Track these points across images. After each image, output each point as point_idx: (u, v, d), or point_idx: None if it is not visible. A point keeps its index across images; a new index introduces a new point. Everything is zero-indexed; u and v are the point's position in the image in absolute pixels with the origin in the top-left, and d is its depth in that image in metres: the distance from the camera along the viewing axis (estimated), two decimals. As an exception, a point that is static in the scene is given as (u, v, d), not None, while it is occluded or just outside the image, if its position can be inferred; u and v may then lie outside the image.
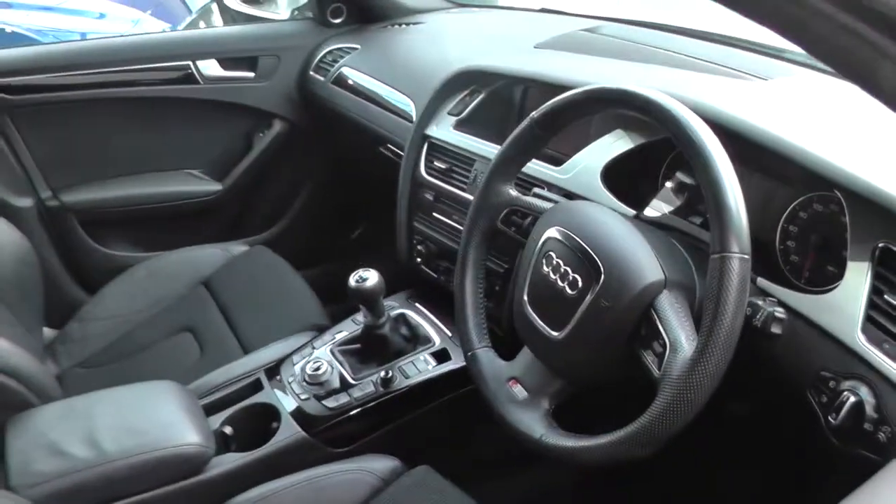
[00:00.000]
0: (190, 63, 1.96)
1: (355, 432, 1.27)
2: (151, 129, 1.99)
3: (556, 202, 1.09)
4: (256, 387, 1.33)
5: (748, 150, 0.97)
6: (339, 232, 2.30)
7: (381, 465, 1.14)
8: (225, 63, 2.01)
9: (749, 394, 1.01)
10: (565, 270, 0.94)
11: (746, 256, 0.79)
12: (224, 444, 1.22)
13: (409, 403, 1.30)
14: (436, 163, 1.48)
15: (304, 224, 2.20)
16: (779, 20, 0.45)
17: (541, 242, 0.99)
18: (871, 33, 0.44)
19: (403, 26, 2.00)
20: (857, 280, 0.86)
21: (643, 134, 1.16)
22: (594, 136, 1.23)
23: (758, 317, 0.86)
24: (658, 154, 1.17)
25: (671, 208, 1.10)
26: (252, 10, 2.46)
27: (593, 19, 1.77)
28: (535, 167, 1.24)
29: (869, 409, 0.80)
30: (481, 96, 1.48)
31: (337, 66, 1.95)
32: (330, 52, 2.01)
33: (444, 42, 1.85)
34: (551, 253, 0.97)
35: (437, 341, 1.38)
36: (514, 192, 1.10)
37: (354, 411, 1.26)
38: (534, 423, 0.96)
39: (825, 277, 0.96)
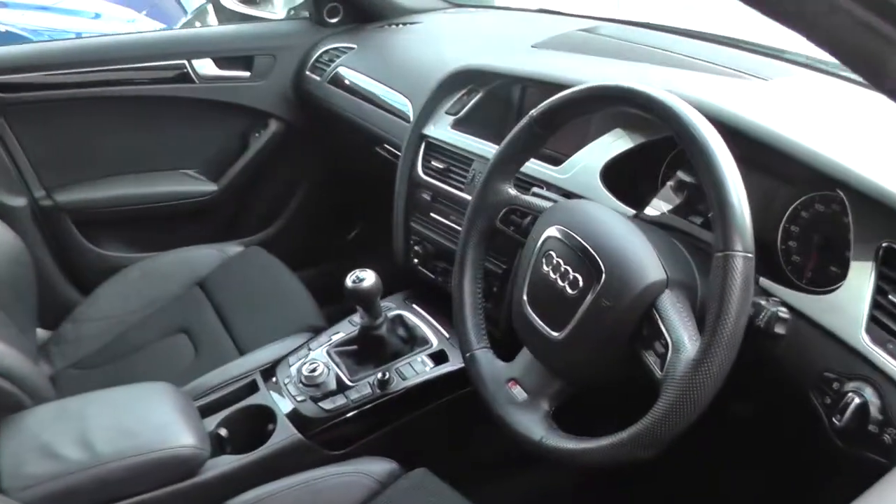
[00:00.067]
0: (185, 62, 1.95)
1: (352, 434, 1.26)
2: (146, 129, 1.98)
3: (555, 201, 1.08)
4: (252, 388, 1.32)
5: (749, 148, 0.96)
6: (335, 232, 2.29)
7: (378, 467, 1.13)
8: (220, 62, 1.99)
9: (752, 395, 1.01)
10: (566, 270, 0.93)
11: (750, 255, 0.78)
12: (219, 446, 1.21)
13: (406, 405, 1.29)
14: (433, 162, 1.47)
15: (301, 224, 2.19)
16: (788, 13, 0.44)
17: (541, 242, 0.98)
18: (883, 25, 0.43)
19: (400, 26, 2.00)
20: (861, 280, 0.85)
21: (643, 133, 1.15)
22: (593, 136, 1.22)
23: (761, 317, 0.85)
24: (658, 153, 1.16)
25: (671, 208, 1.10)
26: (248, 10, 2.44)
27: (591, 20, 1.77)
28: (533, 167, 1.23)
29: (874, 411, 0.79)
30: (479, 96, 1.47)
31: (333, 65, 1.94)
32: (326, 51, 2.00)
33: (441, 42, 1.84)
34: (551, 252, 0.96)
35: (435, 343, 1.37)
36: (513, 191, 1.10)
37: (351, 413, 1.25)
38: (534, 425, 0.95)
39: (827, 278, 0.95)
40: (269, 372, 1.35)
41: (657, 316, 0.85)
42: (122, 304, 1.64)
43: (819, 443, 0.85)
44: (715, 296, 0.78)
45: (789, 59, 1.33)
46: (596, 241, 0.92)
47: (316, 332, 1.45)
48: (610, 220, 0.95)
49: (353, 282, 1.26)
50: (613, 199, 1.12)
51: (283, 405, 1.26)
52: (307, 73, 2.02)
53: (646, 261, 0.88)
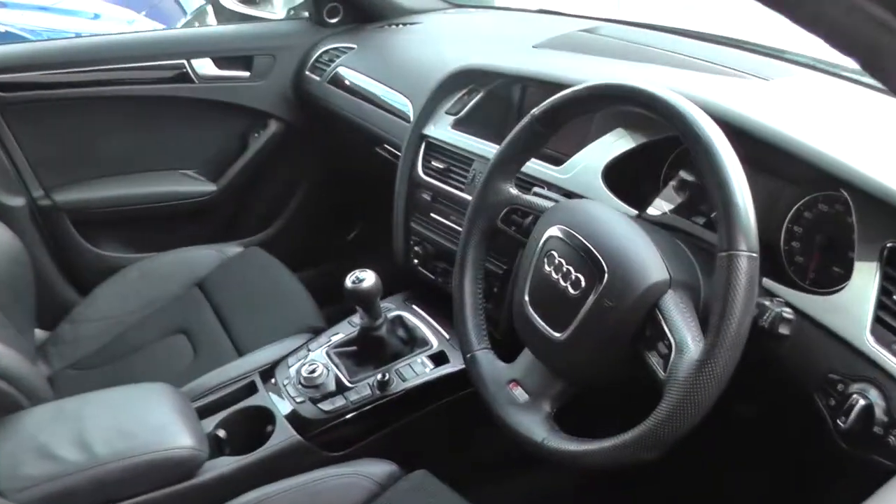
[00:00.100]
0: (184, 62, 1.94)
1: (351, 436, 1.25)
2: (145, 129, 1.98)
3: (557, 201, 1.07)
4: (251, 389, 1.31)
5: (752, 148, 0.95)
6: (335, 233, 2.29)
7: (377, 469, 1.12)
8: (220, 62, 1.99)
9: (755, 396, 1.00)
10: (568, 270, 0.92)
11: (755, 255, 0.77)
12: (217, 447, 1.21)
13: (406, 407, 1.28)
14: (433, 162, 1.47)
15: (300, 225, 2.18)
16: (807, 15, 0.43)
17: (542, 241, 0.98)
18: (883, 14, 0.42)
19: (400, 26, 1.99)
20: (865, 280, 0.85)
21: (645, 133, 1.14)
22: (594, 136, 1.21)
23: (765, 317, 0.85)
24: (660, 153, 1.15)
25: (673, 208, 1.09)
26: (248, 10, 2.44)
27: (592, 20, 1.76)
28: (534, 167, 1.22)
29: (879, 413, 0.79)
30: (480, 95, 1.47)
31: (333, 65, 1.94)
32: (326, 51, 2.00)
33: (442, 42, 1.84)
34: (553, 252, 0.95)
35: (435, 344, 1.36)
36: (514, 191, 1.09)
37: (350, 415, 1.25)
38: (535, 427, 0.94)
39: (830, 278, 0.95)
40: (268, 373, 1.34)
41: (660, 316, 0.84)
42: (120, 304, 1.63)
43: (823, 445, 0.85)
44: (719, 296, 0.77)
45: (790, 59, 1.33)
46: (598, 240, 0.91)
47: (315, 332, 1.44)
48: (612, 219, 0.95)
49: (353, 282, 1.25)
50: (615, 199, 1.11)
51: (282, 406, 1.26)
52: (307, 73, 2.01)
53: (649, 261, 0.88)
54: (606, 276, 0.88)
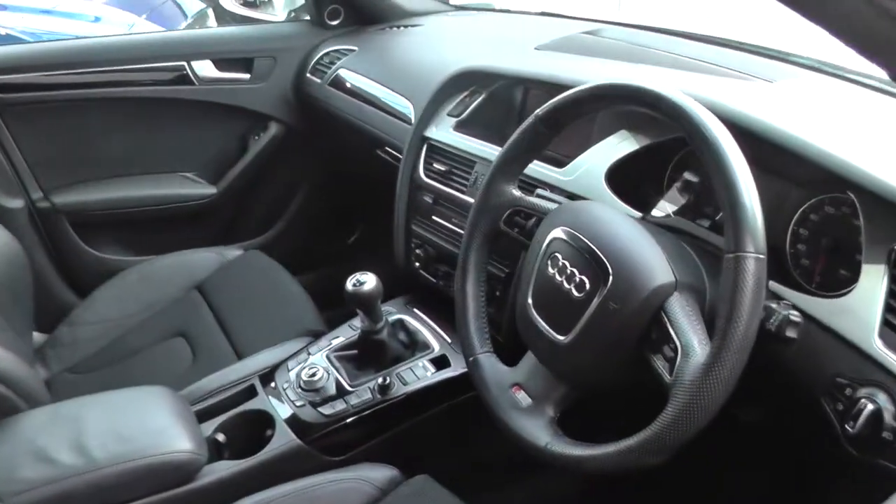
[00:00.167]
0: (184, 64, 1.94)
1: (352, 440, 1.24)
2: (145, 131, 1.97)
3: (560, 203, 1.06)
4: (250, 393, 1.30)
5: (758, 149, 0.94)
6: (335, 236, 2.28)
7: (378, 473, 1.12)
8: (220, 64, 1.98)
9: (762, 400, 0.99)
10: (572, 272, 0.91)
11: (762, 256, 0.76)
12: (217, 451, 1.20)
13: (407, 411, 1.27)
14: (435, 165, 1.46)
15: (300, 228, 2.18)
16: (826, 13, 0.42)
17: (546, 243, 0.97)
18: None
19: (401, 28, 1.99)
20: (873, 283, 0.84)
21: (649, 134, 1.13)
22: (598, 138, 1.20)
23: (772, 320, 0.83)
24: (664, 155, 1.14)
25: (677, 210, 1.08)
26: (249, 13, 2.44)
27: (594, 22, 1.76)
28: (537, 168, 1.21)
29: (888, 417, 0.78)
30: (482, 97, 1.46)
31: (334, 68, 1.93)
32: (327, 53, 1.99)
33: (443, 44, 1.84)
34: (557, 254, 0.94)
35: (436, 347, 1.35)
36: (516, 193, 1.08)
37: (351, 419, 1.24)
38: (538, 431, 0.93)
39: (837, 281, 0.94)
40: (267, 377, 1.33)
41: (666, 319, 0.83)
42: (119, 307, 1.63)
43: (831, 450, 0.84)
44: (726, 298, 0.76)
45: (794, 61, 1.33)
46: (603, 242, 0.90)
47: (316, 336, 1.43)
48: (617, 221, 0.94)
49: (354, 285, 1.24)
50: (619, 201, 1.10)
51: (282, 410, 1.25)
52: (308, 75, 2.01)
53: (654, 263, 0.87)
54: (611, 278, 0.87)
